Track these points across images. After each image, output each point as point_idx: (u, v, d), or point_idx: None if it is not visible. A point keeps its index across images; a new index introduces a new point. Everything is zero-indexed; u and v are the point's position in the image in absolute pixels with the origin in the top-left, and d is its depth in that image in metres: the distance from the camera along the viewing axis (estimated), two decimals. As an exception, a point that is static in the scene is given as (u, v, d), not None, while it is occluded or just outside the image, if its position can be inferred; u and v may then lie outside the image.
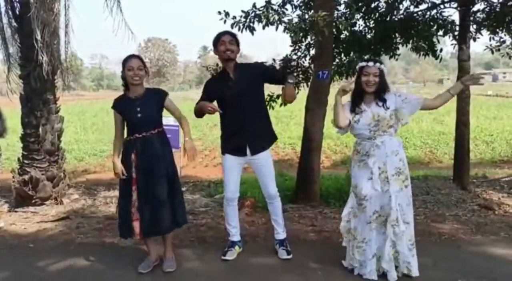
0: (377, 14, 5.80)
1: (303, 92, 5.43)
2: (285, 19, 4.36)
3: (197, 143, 15.03)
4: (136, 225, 3.18)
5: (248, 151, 3.38)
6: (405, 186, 3.00)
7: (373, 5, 5.74)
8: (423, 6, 5.97)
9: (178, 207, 3.28)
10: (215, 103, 3.41)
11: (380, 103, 2.99)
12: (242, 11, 4.45)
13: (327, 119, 4.84)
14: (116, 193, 5.54)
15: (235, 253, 3.52)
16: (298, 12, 5.49)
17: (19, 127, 5.36)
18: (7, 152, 9.55)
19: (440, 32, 5.88)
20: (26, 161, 5.24)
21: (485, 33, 5.90)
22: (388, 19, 5.75)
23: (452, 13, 6.12)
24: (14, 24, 5.34)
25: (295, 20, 4.50)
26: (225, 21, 4.46)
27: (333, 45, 5.21)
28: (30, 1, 4.72)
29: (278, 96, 5.21)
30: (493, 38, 5.93)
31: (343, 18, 5.49)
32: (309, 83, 5.28)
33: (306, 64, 5.74)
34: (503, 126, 15.99)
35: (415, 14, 5.92)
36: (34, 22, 4.71)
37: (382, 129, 2.99)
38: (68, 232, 4.31)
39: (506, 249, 3.59)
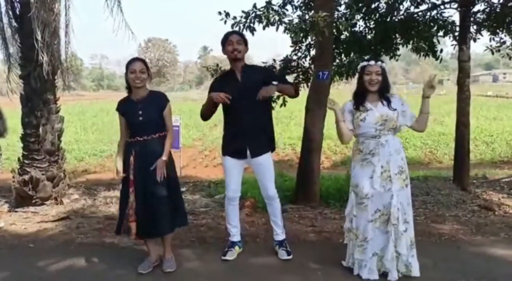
0: (377, 14, 5.80)
1: (303, 93, 5.42)
2: (286, 19, 4.36)
3: (197, 143, 15.06)
4: (133, 226, 3.18)
5: (248, 153, 3.38)
6: (406, 185, 3.03)
7: (373, 6, 5.74)
8: (424, 7, 5.97)
9: (176, 209, 3.28)
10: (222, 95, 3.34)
11: (385, 102, 3.01)
12: (243, 11, 4.45)
13: (327, 119, 4.84)
14: (116, 193, 5.55)
15: (235, 253, 3.52)
16: (299, 12, 5.49)
17: (19, 127, 5.36)
18: (7, 152, 9.55)
19: (440, 33, 5.88)
20: (26, 161, 5.24)
21: (485, 33, 5.90)
22: (388, 19, 5.75)
23: (453, 14, 6.13)
24: (15, 24, 5.34)
25: (296, 20, 4.51)
26: (225, 22, 4.47)
27: (333, 46, 5.21)
28: (31, 1, 4.73)
29: (278, 97, 5.22)
30: (493, 39, 5.93)
31: (343, 18, 5.49)
32: (309, 84, 5.29)
33: (307, 64, 5.74)
34: (503, 126, 16.01)
35: (415, 15, 5.92)
36: (34, 22, 4.71)
37: (387, 128, 3.01)
38: (68, 232, 4.31)
39: (506, 250, 3.59)
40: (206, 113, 3.47)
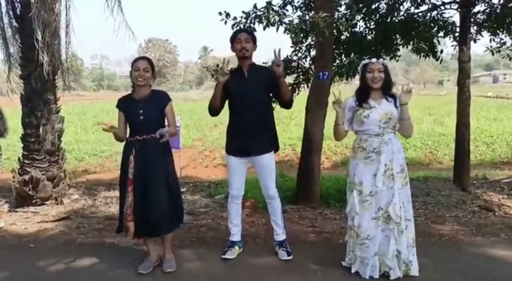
0: (377, 15, 5.80)
1: (303, 93, 5.43)
2: (286, 20, 4.36)
3: (197, 143, 15.04)
4: (131, 225, 3.19)
5: (251, 152, 3.40)
6: (406, 183, 3.05)
7: (373, 6, 5.75)
8: (424, 7, 5.98)
9: (175, 209, 3.28)
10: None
11: (390, 99, 3.02)
12: (243, 11, 4.46)
13: (327, 120, 4.84)
14: (116, 193, 5.55)
15: (235, 253, 3.52)
16: (299, 13, 5.49)
17: (20, 127, 5.36)
18: (7, 152, 9.54)
19: (441, 33, 5.88)
20: (26, 161, 5.24)
21: (485, 34, 5.90)
22: (388, 20, 5.75)
23: (453, 15, 6.15)
24: (15, 24, 5.34)
25: (296, 21, 4.51)
26: (225, 22, 4.47)
27: (334, 46, 5.21)
28: (31, 1, 4.73)
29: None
30: (494, 40, 5.93)
31: (343, 19, 5.50)
32: (309, 84, 5.29)
33: (307, 65, 5.74)
34: (503, 127, 16.00)
35: (415, 15, 5.93)
36: (35, 22, 4.72)
37: (390, 126, 3.02)
38: (68, 232, 4.31)
39: (506, 251, 3.59)
40: (214, 105, 3.42)
